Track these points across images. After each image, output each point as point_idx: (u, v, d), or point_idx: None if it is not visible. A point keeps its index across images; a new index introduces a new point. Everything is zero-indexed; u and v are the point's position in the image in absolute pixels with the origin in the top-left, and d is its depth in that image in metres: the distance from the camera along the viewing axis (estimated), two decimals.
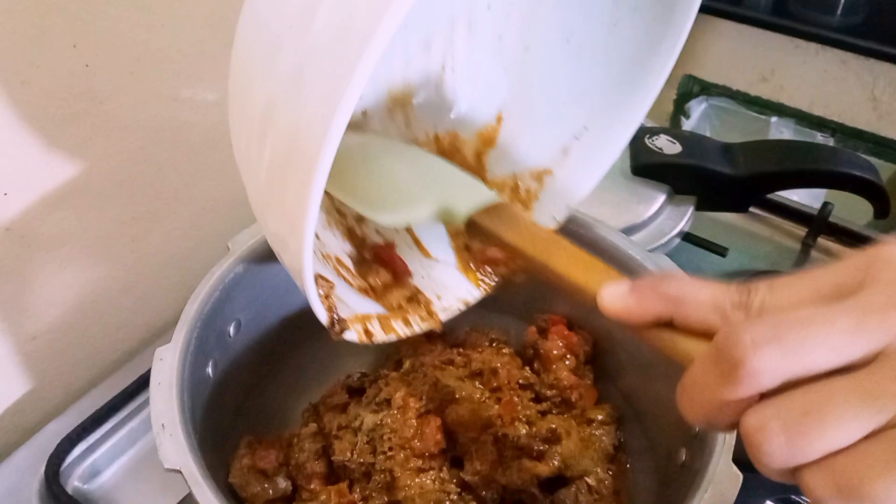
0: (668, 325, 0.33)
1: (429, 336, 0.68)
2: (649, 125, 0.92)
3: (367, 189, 0.51)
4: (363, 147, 0.54)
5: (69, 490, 0.64)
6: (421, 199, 0.49)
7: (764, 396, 0.28)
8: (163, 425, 0.45)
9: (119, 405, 0.70)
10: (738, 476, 0.45)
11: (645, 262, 0.58)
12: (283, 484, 0.58)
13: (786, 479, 0.28)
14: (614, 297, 0.35)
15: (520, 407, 0.58)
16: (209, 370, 0.55)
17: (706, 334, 0.31)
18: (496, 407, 0.58)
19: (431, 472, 0.53)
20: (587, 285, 0.38)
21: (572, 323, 0.66)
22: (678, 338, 0.33)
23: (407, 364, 0.61)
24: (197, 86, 0.74)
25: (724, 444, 0.46)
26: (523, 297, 0.69)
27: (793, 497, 0.63)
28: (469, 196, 0.48)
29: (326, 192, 0.50)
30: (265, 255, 0.58)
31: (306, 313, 0.66)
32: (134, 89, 0.67)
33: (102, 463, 0.68)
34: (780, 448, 0.27)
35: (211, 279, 0.54)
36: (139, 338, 0.80)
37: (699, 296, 0.32)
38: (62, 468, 0.65)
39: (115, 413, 0.70)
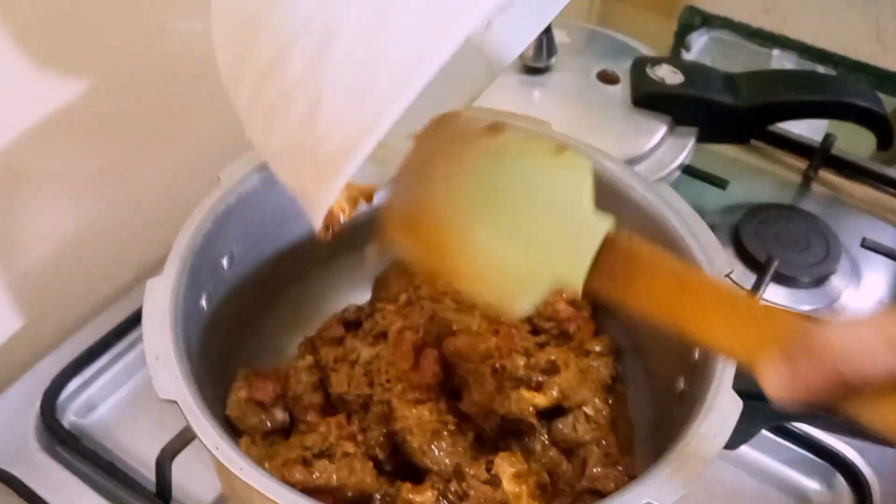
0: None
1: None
2: (651, 55, 0.90)
3: (473, 271, 0.42)
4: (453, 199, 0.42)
5: (66, 424, 0.64)
6: (542, 278, 0.40)
7: None
8: (157, 357, 0.44)
9: (114, 340, 0.70)
10: (739, 403, 0.44)
11: (646, 194, 0.57)
12: (280, 416, 0.58)
13: None
14: (775, 385, 0.31)
15: (517, 339, 0.58)
16: (203, 303, 0.54)
17: None
18: (494, 339, 0.57)
19: (429, 403, 0.53)
20: (736, 354, 0.34)
21: None
22: (880, 408, 0.28)
23: (403, 297, 0.61)
24: (185, 16, 0.71)
25: (724, 373, 0.46)
26: None
27: (787, 425, 0.63)
28: (577, 255, 0.39)
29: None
30: (258, 187, 0.57)
31: (300, 246, 0.66)
32: (121, 19, 0.64)
33: (99, 397, 0.68)
34: None
35: (202, 210, 0.53)
36: (133, 273, 0.79)
37: (867, 341, 0.28)
38: (58, 403, 0.65)
39: (110, 347, 0.70)
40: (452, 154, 0.44)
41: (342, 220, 0.47)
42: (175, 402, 0.43)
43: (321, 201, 0.36)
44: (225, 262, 0.57)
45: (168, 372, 0.44)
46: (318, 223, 0.39)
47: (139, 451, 0.64)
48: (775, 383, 0.31)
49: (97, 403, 0.68)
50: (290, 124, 0.35)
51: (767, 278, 0.75)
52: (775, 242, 0.83)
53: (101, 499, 0.59)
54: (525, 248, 0.42)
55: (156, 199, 0.78)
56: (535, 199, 0.43)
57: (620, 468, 0.55)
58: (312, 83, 0.34)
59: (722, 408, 0.44)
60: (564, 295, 0.62)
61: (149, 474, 0.57)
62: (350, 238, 0.68)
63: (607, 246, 0.40)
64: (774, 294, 0.79)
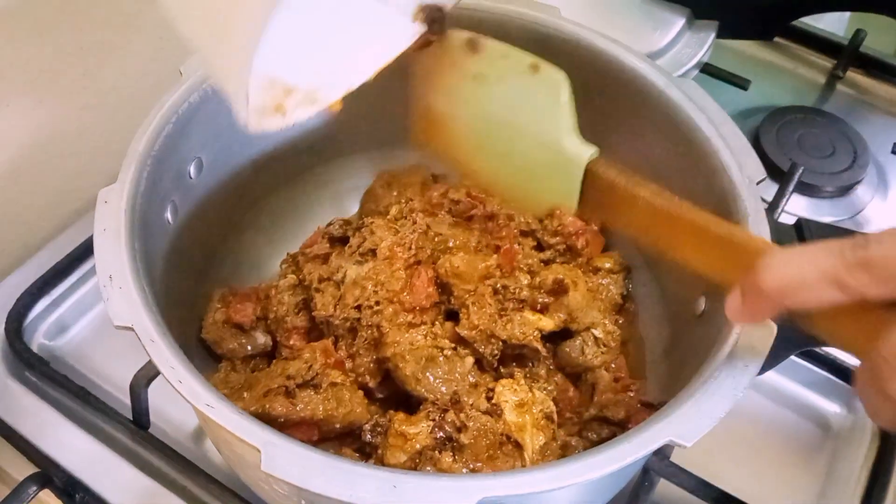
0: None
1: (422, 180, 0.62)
2: None
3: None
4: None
5: (34, 347, 0.61)
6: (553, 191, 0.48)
7: None
8: (110, 277, 0.39)
9: (83, 256, 0.65)
10: (772, 328, 0.39)
11: (669, 91, 0.50)
12: (261, 339, 0.54)
13: None
14: (734, 313, 0.36)
15: (521, 256, 0.53)
16: (168, 215, 0.49)
17: (847, 312, 0.31)
18: (494, 256, 0.52)
19: (423, 326, 0.49)
20: (710, 277, 0.39)
21: None
22: (829, 328, 0.33)
23: (394, 209, 0.55)
24: None
25: None
26: None
27: (816, 350, 0.59)
28: (564, 184, 0.47)
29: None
30: None
31: (281, 152, 0.61)
32: None
33: (69, 318, 0.65)
34: None
35: (161, 109, 0.47)
36: (101, 185, 0.72)
37: (806, 277, 0.31)
38: (25, 324, 0.61)
39: (79, 265, 0.66)
40: (443, 77, 0.49)
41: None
42: (131, 328, 0.37)
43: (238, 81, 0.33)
44: (192, 169, 0.52)
45: (123, 295, 0.39)
46: (242, 116, 0.35)
47: (115, 375, 0.60)
48: (731, 309, 0.36)
49: (68, 325, 0.64)
50: None
51: (791, 187, 0.69)
52: (798, 148, 0.78)
53: (74, 426, 0.56)
54: (519, 175, 0.50)
55: (123, 103, 0.72)
56: (520, 126, 0.48)
57: (632, 393, 0.51)
58: None
59: (753, 333, 0.39)
60: None
61: (126, 399, 0.54)
62: (336, 143, 0.65)
63: (589, 177, 0.45)
64: (794, 205, 0.74)
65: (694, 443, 0.36)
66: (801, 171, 0.71)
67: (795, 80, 0.87)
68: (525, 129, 0.48)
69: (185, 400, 0.36)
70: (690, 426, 0.36)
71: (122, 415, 0.55)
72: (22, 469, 0.53)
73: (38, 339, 0.62)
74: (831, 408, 0.61)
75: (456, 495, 0.33)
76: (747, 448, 0.58)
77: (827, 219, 0.74)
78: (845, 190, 0.76)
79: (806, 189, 0.75)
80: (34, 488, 0.50)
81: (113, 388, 0.59)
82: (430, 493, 0.34)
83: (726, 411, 0.37)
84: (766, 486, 0.56)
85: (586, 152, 0.46)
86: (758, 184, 0.46)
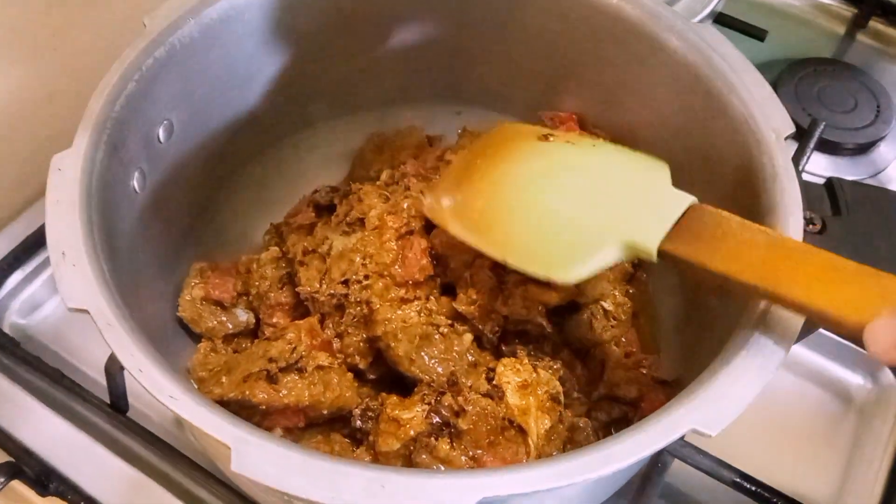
0: None
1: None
2: None
3: (526, 240, 0.43)
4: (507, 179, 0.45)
5: (5, 327, 0.59)
6: (604, 241, 0.40)
7: None
8: (63, 254, 0.35)
9: None
10: None
11: (683, 35, 0.46)
12: (243, 316, 0.52)
13: None
14: (886, 346, 0.31)
15: None
16: (135, 183, 0.45)
17: None
18: None
19: (416, 302, 0.46)
20: (840, 313, 0.32)
21: (585, 121, 0.58)
22: None
23: (385, 174, 0.51)
24: None
25: None
26: (527, 90, 0.59)
27: None
28: (654, 216, 0.39)
29: None
30: (195, 37, 0.47)
31: (260, 114, 0.57)
32: None
33: (43, 295, 0.62)
34: None
35: (122, 66, 0.44)
36: None
37: None
38: None
39: None
40: (505, 146, 0.47)
41: None
42: (86, 311, 0.33)
43: None
44: (161, 132, 0.48)
45: (77, 273, 0.35)
46: None
47: (91, 355, 0.57)
48: (887, 344, 0.30)
49: (41, 302, 0.61)
50: None
51: (811, 145, 0.65)
52: (818, 103, 0.74)
53: (47, 411, 0.53)
54: (585, 211, 0.42)
55: (98, 64, 0.68)
56: (607, 178, 0.44)
57: (644, 370, 0.49)
58: None
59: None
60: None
61: (103, 381, 0.51)
62: (324, 104, 0.61)
63: (691, 212, 0.39)
64: (812, 164, 0.70)
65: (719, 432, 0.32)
66: (822, 127, 0.67)
67: (814, 31, 0.83)
68: (611, 180, 0.44)
69: (147, 391, 0.32)
70: (715, 413, 0.33)
71: (99, 398, 0.52)
72: None
73: (10, 318, 0.60)
74: (854, 379, 0.58)
75: (453, 495, 0.30)
76: (764, 424, 0.55)
77: (847, 178, 0.70)
78: (867, 147, 0.72)
79: (824, 147, 0.71)
80: (2, 479, 0.48)
81: (90, 370, 0.57)
82: (424, 493, 0.30)
83: (755, 395, 0.33)
84: (786, 464, 0.53)
85: (690, 198, 0.40)
86: (786, 139, 0.42)
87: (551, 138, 0.46)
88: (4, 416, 0.53)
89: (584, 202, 0.42)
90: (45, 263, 0.62)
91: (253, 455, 0.30)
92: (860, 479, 0.53)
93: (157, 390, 0.32)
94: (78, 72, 0.66)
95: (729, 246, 0.36)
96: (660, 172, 0.42)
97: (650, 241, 0.38)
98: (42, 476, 0.50)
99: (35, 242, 0.61)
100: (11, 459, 0.50)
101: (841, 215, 0.43)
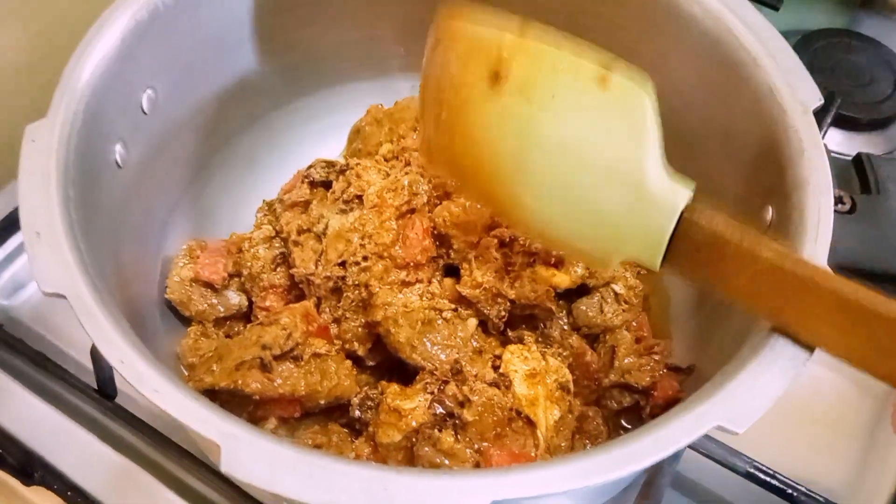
0: None
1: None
2: None
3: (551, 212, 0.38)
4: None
5: None
6: (605, 263, 0.38)
7: None
8: (37, 233, 0.33)
9: None
10: None
11: (723, 16, 0.43)
12: (235, 299, 0.50)
13: None
14: None
15: None
16: (116, 156, 0.43)
17: None
18: None
19: (418, 285, 0.44)
20: (859, 366, 0.32)
21: None
22: None
23: (385, 148, 0.49)
24: None
25: (817, 241, 0.35)
26: None
27: None
28: (647, 236, 0.36)
29: None
30: None
31: (252, 82, 0.55)
32: None
33: (26, 275, 0.60)
34: None
35: (101, 29, 0.41)
36: None
37: None
38: None
39: None
40: (473, 89, 0.37)
41: None
42: (62, 296, 0.31)
43: None
44: (144, 101, 0.46)
45: (53, 254, 0.32)
46: None
47: (77, 338, 0.56)
48: None
49: (24, 282, 0.60)
50: None
51: (829, 119, 0.63)
52: (833, 77, 0.72)
53: (31, 396, 0.52)
54: (581, 223, 0.38)
55: (81, 28, 0.66)
56: (583, 158, 0.36)
57: (656, 356, 0.47)
58: None
59: None
60: None
61: (90, 366, 0.50)
62: (320, 72, 0.59)
63: (686, 227, 0.35)
64: (828, 140, 0.68)
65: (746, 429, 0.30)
66: (838, 102, 0.65)
67: (829, 1, 0.80)
68: (591, 162, 0.36)
69: (128, 384, 0.30)
70: (742, 408, 0.31)
71: (86, 383, 0.51)
72: None
73: None
74: None
75: (460, 497, 0.28)
76: (779, 412, 0.52)
77: None
78: (884, 123, 0.70)
79: (839, 121, 0.68)
80: None
81: (76, 353, 0.55)
82: (429, 495, 0.28)
83: (785, 389, 0.31)
84: (800, 453, 0.52)
85: (680, 195, 0.35)
86: (814, 112, 0.39)
87: (502, 75, 0.36)
88: None
89: (575, 205, 0.38)
90: None
91: (243, 453, 0.28)
92: (876, 467, 0.52)
93: (140, 382, 0.30)
94: (59, 38, 0.65)
95: (730, 271, 0.34)
96: (641, 134, 0.36)
97: (649, 262, 0.36)
98: (26, 465, 0.49)
99: (15, 220, 0.57)
100: None
101: (870, 193, 0.41)
